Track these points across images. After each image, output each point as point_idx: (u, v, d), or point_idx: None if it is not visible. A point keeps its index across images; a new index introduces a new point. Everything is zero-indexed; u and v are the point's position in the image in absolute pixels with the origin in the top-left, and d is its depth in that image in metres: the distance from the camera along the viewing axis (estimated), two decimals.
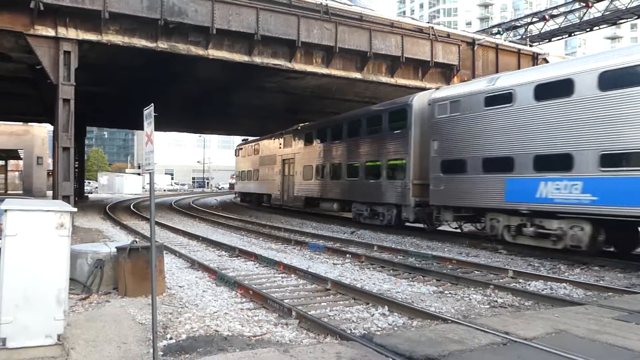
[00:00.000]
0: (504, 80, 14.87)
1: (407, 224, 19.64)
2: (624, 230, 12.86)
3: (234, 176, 63.26)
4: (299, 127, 29.42)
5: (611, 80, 11.78)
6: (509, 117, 14.37)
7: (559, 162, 12.81)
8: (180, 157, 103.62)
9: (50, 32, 16.87)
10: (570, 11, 32.04)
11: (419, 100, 18.51)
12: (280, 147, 31.72)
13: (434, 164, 17.07)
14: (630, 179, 11.20)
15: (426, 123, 17.86)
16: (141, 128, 5.74)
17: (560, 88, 12.92)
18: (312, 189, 26.61)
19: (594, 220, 12.27)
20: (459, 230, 17.70)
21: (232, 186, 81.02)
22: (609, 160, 11.73)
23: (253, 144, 39.08)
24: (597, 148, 11.92)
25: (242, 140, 45.52)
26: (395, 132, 19.72)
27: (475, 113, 15.53)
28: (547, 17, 33.00)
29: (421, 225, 19.12)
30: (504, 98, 14.54)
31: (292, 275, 10.68)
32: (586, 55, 15.20)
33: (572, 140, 12.52)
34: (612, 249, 13.68)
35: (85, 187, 52.60)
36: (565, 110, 12.76)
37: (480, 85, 15.75)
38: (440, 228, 19.25)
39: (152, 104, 5.45)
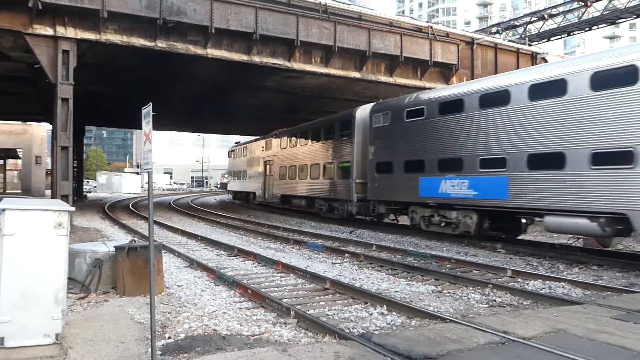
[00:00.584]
0: (419, 97, 18.27)
1: (358, 216, 22.55)
2: (506, 219, 15.71)
3: (225, 176, 69.55)
4: (277, 132, 32.18)
5: (483, 101, 15.37)
6: (421, 128, 17.72)
7: (454, 165, 16.10)
8: (179, 157, 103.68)
9: (49, 31, 16.85)
10: (569, 10, 32.07)
11: (361, 112, 21.62)
12: (262, 150, 35.12)
13: (371, 165, 20.23)
14: (497, 177, 14.61)
15: (367, 131, 20.85)
16: (140, 127, 5.73)
17: (455, 106, 16.27)
18: (286, 187, 29.93)
19: (479, 210, 15.59)
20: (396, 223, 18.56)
21: (223, 185, 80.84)
22: (484, 163, 15.05)
23: (242, 146, 42.51)
24: (477, 154, 15.25)
25: (235, 143, 48.83)
26: (344, 138, 23.09)
27: (399, 124, 18.80)
28: (546, 16, 33.02)
29: (395, 221, 21.99)
30: (418, 112, 17.87)
31: (291, 275, 10.68)
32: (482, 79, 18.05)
33: (461, 147, 15.90)
34: (503, 236, 16.43)
35: (84, 187, 52.59)
36: (458, 123, 16.10)
37: (404, 100, 18.86)
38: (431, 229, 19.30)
39: (150, 103, 5.45)
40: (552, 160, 13.00)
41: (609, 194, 11.73)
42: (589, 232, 12.67)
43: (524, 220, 15.53)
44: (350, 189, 21.88)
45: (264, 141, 35.32)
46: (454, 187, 16.10)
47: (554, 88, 13.13)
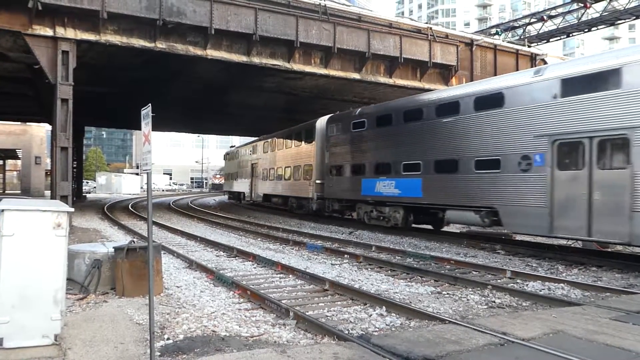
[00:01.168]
0: (362, 111, 21.94)
1: (326, 213, 25.64)
2: (424, 214, 18.95)
3: (217, 176, 77.25)
4: (260, 138, 36.31)
5: (406, 116, 18.78)
6: (363, 137, 21.33)
7: (385, 169, 19.65)
8: (179, 157, 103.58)
9: (49, 32, 16.85)
10: (569, 12, 32.07)
11: (320, 122, 25.27)
12: (250, 154, 39.11)
13: (327, 168, 23.98)
14: (414, 179, 18.01)
15: (324, 139, 24.39)
16: (139, 128, 5.73)
17: (386, 119, 19.80)
18: (267, 188, 33.88)
19: (404, 206, 19.00)
20: (461, 231, 18.62)
21: (215, 186, 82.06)
22: (406, 167, 18.43)
23: (235, 150, 46.97)
24: (401, 160, 18.74)
25: (230, 147, 54.64)
26: (308, 144, 26.65)
27: (347, 133, 22.36)
28: (545, 17, 33.03)
29: (350, 215, 25.24)
30: (361, 124, 21.38)
31: (290, 276, 10.68)
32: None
33: (390, 154, 19.41)
34: (431, 227, 19.84)
35: (84, 187, 52.59)
36: (388, 134, 19.72)
37: (352, 113, 22.48)
38: (433, 229, 19.48)
39: (150, 104, 5.45)
40: (450, 166, 16.28)
41: (485, 192, 15.00)
42: (475, 223, 16.02)
43: (440, 215, 18.11)
44: (311, 188, 25.77)
45: (251, 146, 39.37)
46: (385, 187, 19.71)
47: (452, 108, 16.34)
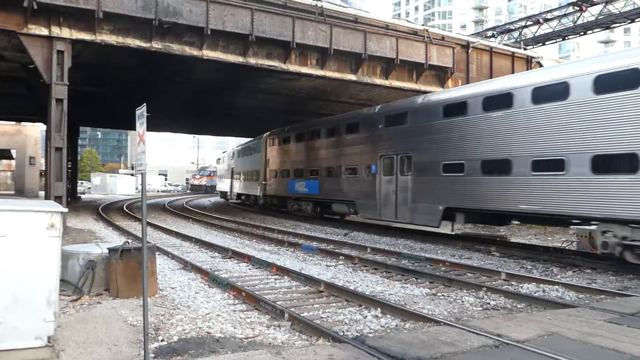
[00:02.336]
0: (291, 128, 28.84)
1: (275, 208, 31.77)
2: (327, 206, 25.01)
3: (197, 177, 79.58)
4: (235, 147, 46.81)
5: (310, 134, 26.43)
6: (289, 149, 28.73)
7: (300, 173, 26.87)
8: (174, 158, 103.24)
9: (44, 32, 16.77)
10: (564, 15, 32.15)
11: (265, 136, 32.78)
12: (230, 159, 46.68)
13: (269, 172, 31.54)
14: (315, 181, 25.03)
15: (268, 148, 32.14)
16: (135, 128, 5.71)
17: (299, 137, 27.08)
18: (240, 188, 41.52)
19: (312, 201, 26.01)
20: (456, 233, 18.38)
21: (194, 187, 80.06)
22: (309, 173, 25.65)
23: (223, 156, 54.89)
24: (308, 167, 25.85)
25: (222, 152, 60.31)
26: (257, 154, 34.72)
27: (280, 145, 30.13)
28: (541, 20, 33.08)
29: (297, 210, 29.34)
30: (287, 139, 28.90)
31: (285, 277, 10.66)
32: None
33: (302, 163, 26.60)
34: (337, 217, 26.01)
35: (78, 188, 52.36)
36: (302, 147, 27.02)
37: (284, 130, 29.81)
38: (430, 230, 19.41)
39: (144, 104, 5.43)
40: (333, 171, 23.45)
41: (349, 191, 21.88)
42: (346, 212, 23.78)
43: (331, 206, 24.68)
44: (259, 187, 33.64)
45: (231, 152, 47.25)
46: (300, 187, 26.82)
47: (335, 130, 23.63)
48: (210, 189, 77.74)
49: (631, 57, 11.73)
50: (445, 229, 21.53)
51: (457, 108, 16.24)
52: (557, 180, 12.74)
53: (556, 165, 12.79)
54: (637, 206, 10.98)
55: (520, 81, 14.41)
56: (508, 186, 14.16)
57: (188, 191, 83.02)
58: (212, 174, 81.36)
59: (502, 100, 14.52)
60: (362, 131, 21.19)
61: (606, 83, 11.87)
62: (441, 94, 18.60)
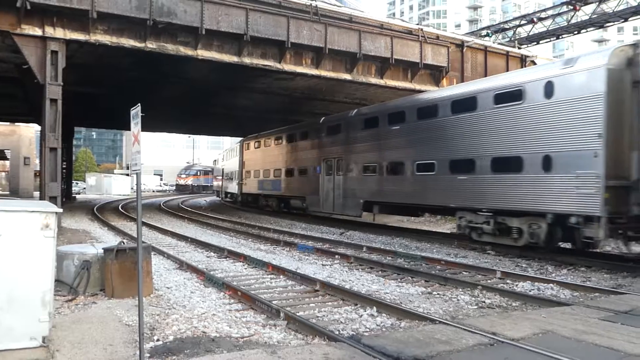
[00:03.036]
0: (257, 135, 34.44)
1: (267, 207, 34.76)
2: (286, 202, 30.12)
3: (182, 176, 77.29)
4: (224, 150, 53.59)
5: (275, 140, 31.60)
6: (257, 153, 34.06)
7: (267, 173, 31.33)
8: (170, 158, 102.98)
9: (38, 32, 16.70)
10: (558, 14, 32.25)
11: (243, 140, 38.24)
12: (222, 160, 52.27)
13: (245, 173, 36.75)
14: (278, 180, 29.65)
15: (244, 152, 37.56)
16: (130, 128, 5.70)
17: (268, 142, 32.16)
18: (228, 187, 45.56)
19: (277, 197, 30.91)
20: (452, 232, 18.41)
21: (179, 187, 75.71)
22: (274, 173, 30.20)
23: (218, 157, 60.57)
24: (272, 167, 30.44)
25: (219, 154, 64.45)
26: (236, 157, 39.99)
27: (252, 150, 35.39)
28: (535, 19, 33.16)
29: (268, 207, 33.93)
30: (258, 144, 34.08)
31: (281, 276, 10.67)
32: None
33: (269, 164, 31.19)
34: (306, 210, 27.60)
35: (73, 188, 52.19)
36: (268, 151, 31.92)
37: (253, 138, 35.52)
38: (426, 229, 19.48)
39: (139, 104, 5.42)
40: (290, 172, 28.25)
41: (301, 188, 26.74)
42: (300, 206, 27.52)
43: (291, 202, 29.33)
44: (238, 187, 38.96)
45: (223, 154, 52.86)
46: (268, 185, 31.80)
47: (289, 137, 29.17)
48: (197, 189, 74.30)
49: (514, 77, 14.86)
50: (443, 227, 21.58)
51: (372, 121, 20.64)
52: (432, 178, 16.89)
53: (430, 167, 16.91)
54: (475, 198, 14.88)
55: (407, 102, 19.21)
56: (405, 183, 18.31)
57: (172, 191, 78.35)
58: (198, 173, 78.15)
59: (398, 117, 18.85)
60: (311, 138, 26.17)
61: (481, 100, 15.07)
62: (366, 109, 22.79)
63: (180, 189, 74.98)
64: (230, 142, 75.41)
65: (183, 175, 78.77)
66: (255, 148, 34.53)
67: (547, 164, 12.81)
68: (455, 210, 16.37)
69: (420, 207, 18.80)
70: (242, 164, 37.27)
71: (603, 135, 11.45)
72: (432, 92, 19.79)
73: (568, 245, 15.24)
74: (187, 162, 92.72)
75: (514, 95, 13.82)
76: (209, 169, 77.99)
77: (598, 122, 11.58)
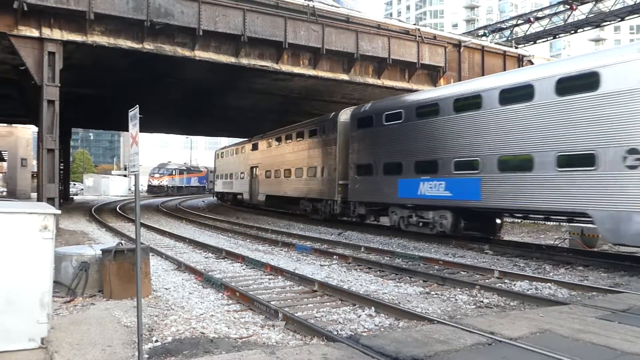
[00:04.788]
0: (225, 147, 48.08)
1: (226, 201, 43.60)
2: (239, 196, 39.66)
3: (156, 176, 69.01)
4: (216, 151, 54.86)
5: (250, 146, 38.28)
6: (225, 161, 44.64)
7: (230, 176, 41.92)
8: (167, 159, 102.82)
9: (35, 33, 16.69)
10: (555, 14, 32.34)
11: (216, 151, 49.55)
12: (218, 158, 53.83)
13: (218, 175, 46.64)
14: (241, 180, 38.48)
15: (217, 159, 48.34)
16: (127, 129, 5.71)
17: (231, 151, 42.99)
18: (223, 187, 46.72)
19: (234, 194, 40.95)
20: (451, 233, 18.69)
21: (152, 189, 66.20)
22: (230, 176, 42.10)
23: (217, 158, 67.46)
24: (229, 173, 42.67)
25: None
26: (212, 163, 52.64)
27: (222, 158, 46.15)
28: (532, 19, 33.26)
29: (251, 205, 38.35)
30: (227, 153, 44.49)
31: (279, 277, 10.67)
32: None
33: (234, 168, 40.68)
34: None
35: (71, 189, 52.11)
36: (233, 158, 41.88)
37: (225, 147, 47.04)
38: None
39: (137, 106, 5.43)
40: (239, 175, 38.31)
41: (242, 187, 37.20)
42: (244, 200, 37.28)
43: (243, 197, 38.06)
44: (216, 186, 48.80)
45: (219, 152, 54.23)
46: (238, 184, 38.93)
47: (241, 148, 39.18)
48: (172, 191, 66.18)
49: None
50: None
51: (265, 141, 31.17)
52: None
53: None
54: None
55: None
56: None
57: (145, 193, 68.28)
58: (174, 172, 69.49)
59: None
60: (246, 150, 37.39)
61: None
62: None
63: (154, 190, 64.93)
64: (227, 143, 75.13)
65: (156, 175, 68.58)
66: (222, 157, 46.55)
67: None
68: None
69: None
70: (215, 169, 49.87)
71: None
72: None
73: (566, 244, 15.29)
74: (185, 163, 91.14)
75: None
76: (185, 168, 73.02)
77: None
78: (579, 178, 12.01)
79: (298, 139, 26.82)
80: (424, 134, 16.81)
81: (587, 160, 11.83)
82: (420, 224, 17.24)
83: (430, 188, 16.50)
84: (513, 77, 14.51)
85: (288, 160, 28.00)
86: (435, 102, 16.57)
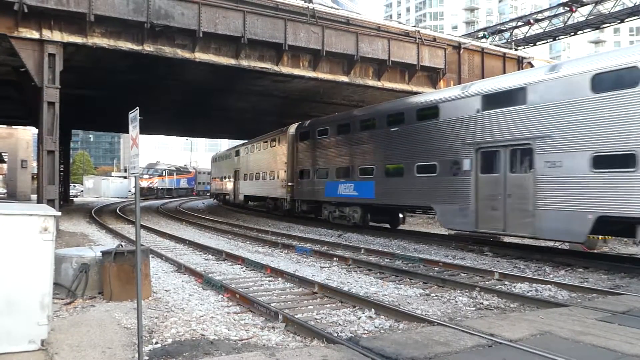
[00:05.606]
0: (218, 154, 53.42)
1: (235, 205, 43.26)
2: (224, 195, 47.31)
3: (143, 176, 65.06)
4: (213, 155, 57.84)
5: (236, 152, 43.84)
6: (217, 166, 50.73)
7: (221, 179, 47.32)
8: (167, 160, 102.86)
9: (35, 35, 16.71)
10: (555, 15, 32.35)
11: (212, 157, 54.47)
12: (213, 162, 56.87)
13: (213, 178, 52.63)
14: (228, 181, 43.97)
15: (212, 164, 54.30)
16: (127, 131, 5.72)
17: (221, 157, 49.16)
18: (218, 188, 50.25)
19: (223, 194, 46.97)
20: (449, 234, 18.69)
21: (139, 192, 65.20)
22: (220, 179, 48.11)
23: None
24: (220, 177, 48.59)
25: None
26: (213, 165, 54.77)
27: (215, 162, 52.43)
28: (532, 21, 33.26)
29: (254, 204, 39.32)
30: (222, 157, 48.47)
31: (279, 279, 10.67)
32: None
33: (220, 173, 48.53)
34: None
35: (71, 191, 52.10)
36: (222, 164, 47.84)
37: (216, 154, 54.56)
38: (425, 230, 19.57)
39: (137, 108, 5.43)
40: (226, 178, 44.24)
41: (228, 188, 43.24)
42: (226, 199, 45.22)
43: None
44: (210, 187, 56.40)
45: (214, 158, 57.54)
46: (220, 185, 47.43)
47: (228, 155, 45.69)
48: (161, 194, 63.20)
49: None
50: (441, 229, 21.59)
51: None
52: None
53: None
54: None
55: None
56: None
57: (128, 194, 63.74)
58: (164, 173, 66.61)
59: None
60: (231, 156, 41.89)
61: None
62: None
63: (143, 193, 59.92)
64: (228, 144, 75.12)
65: (145, 176, 64.89)
66: (216, 162, 51.67)
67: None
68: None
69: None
70: (210, 173, 56.52)
71: None
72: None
73: (566, 246, 15.29)
74: (186, 165, 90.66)
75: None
76: (174, 169, 69.80)
77: None
78: (428, 182, 16.60)
79: (264, 148, 31.91)
80: (342, 146, 21.86)
81: (432, 168, 16.33)
82: (341, 217, 22.33)
83: (345, 189, 21.44)
84: (395, 105, 19.34)
85: (258, 166, 33.29)
86: (347, 122, 21.45)
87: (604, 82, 11.49)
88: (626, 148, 10.98)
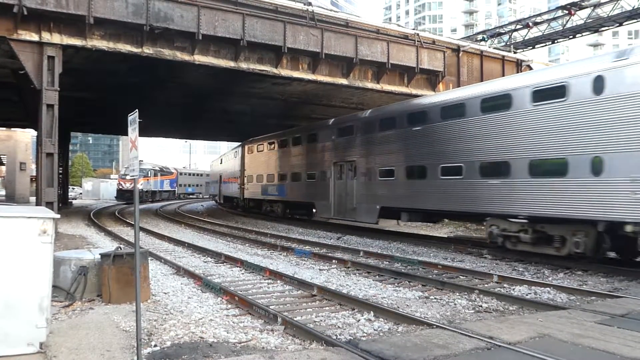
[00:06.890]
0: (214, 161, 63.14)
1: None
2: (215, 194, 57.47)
3: (127, 178, 52.92)
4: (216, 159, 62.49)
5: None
6: (217, 169, 54.59)
7: (215, 182, 56.30)
8: (166, 163, 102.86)
9: (34, 37, 16.70)
10: (554, 19, 32.40)
11: (212, 162, 62.60)
12: (214, 164, 61.48)
13: (208, 183, 68.11)
14: (214, 185, 59.87)
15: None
16: (126, 134, 5.72)
17: (223, 160, 52.99)
18: (209, 190, 59.74)
19: (213, 195, 60.88)
20: (449, 236, 18.74)
21: (121, 194, 53.97)
22: (216, 182, 55.52)
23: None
24: (214, 181, 59.71)
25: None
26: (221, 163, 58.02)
27: (215, 166, 59.30)
28: (530, 24, 33.31)
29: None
30: (221, 160, 53.39)
31: (278, 281, 10.67)
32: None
33: (216, 177, 55.07)
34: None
35: (70, 193, 52.00)
36: (217, 169, 56.38)
37: (219, 156, 60.23)
38: (424, 233, 19.53)
39: (137, 110, 5.44)
40: (216, 181, 55.22)
41: (226, 191, 46.40)
42: (213, 196, 59.65)
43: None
44: (204, 189, 75.35)
45: (210, 164, 64.43)
46: (216, 188, 54.25)
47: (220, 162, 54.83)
48: (146, 197, 56.98)
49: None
50: (440, 232, 21.64)
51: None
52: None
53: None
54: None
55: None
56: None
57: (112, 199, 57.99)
58: (149, 174, 59.35)
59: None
60: (220, 162, 49.30)
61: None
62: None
63: (125, 195, 53.03)
64: (227, 147, 75.08)
65: (129, 177, 53.39)
66: (218, 167, 55.64)
67: None
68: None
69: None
70: (209, 174, 66.20)
71: None
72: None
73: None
74: (185, 167, 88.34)
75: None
76: (158, 169, 64.15)
77: None
78: (311, 186, 25.15)
79: (235, 157, 40.95)
80: (269, 158, 31.07)
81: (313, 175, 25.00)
82: (272, 211, 31.38)
83: (272, 190, 30.34)
84: (292, 130, 29.18)
85: (230, 171, 43.15)
86: (273, 140, 30.71)
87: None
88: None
